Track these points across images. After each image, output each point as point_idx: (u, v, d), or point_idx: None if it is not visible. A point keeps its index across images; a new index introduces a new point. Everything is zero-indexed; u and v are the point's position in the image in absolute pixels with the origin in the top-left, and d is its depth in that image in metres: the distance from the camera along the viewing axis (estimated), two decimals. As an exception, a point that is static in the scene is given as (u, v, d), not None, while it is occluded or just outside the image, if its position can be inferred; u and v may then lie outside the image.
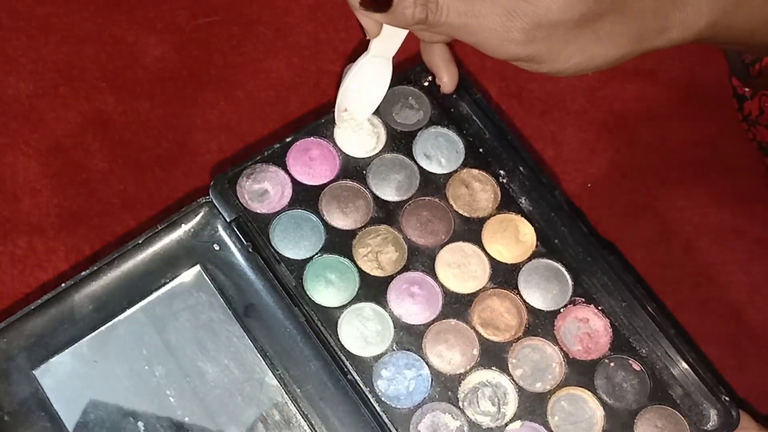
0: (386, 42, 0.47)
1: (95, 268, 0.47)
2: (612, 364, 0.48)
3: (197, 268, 0.48)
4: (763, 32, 0.45)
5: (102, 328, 0.47)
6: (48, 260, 0.56)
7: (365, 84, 0.50)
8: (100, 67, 0.64)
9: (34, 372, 0.46)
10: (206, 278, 0.48)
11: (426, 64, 0.52)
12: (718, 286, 0.58)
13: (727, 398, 0.47)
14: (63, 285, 0.46)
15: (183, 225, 0.49)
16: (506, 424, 0.46)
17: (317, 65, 0.64)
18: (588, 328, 0.49)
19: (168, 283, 0.48)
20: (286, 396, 0.46)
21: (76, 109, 0.62)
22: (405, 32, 0.47)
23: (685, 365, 0.48)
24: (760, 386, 0.55)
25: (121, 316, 0.47)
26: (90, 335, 0.46)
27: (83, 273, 0.47)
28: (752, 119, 0.62)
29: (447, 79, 0.51)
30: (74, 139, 0.60)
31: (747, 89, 0.62)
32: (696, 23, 0.43)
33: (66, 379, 0.46)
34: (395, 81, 0.51)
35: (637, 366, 0.48)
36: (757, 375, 0.56)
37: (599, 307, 0.49)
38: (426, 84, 0.54)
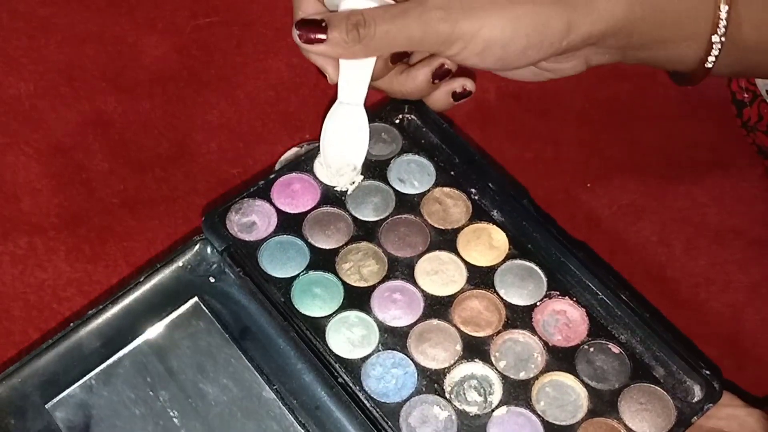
0: (351, 85, 0.49)
1: (101, 306, 0.50)
2: (591, 349, 0.49)
3: (195, 299, 0.51)
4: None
5: (109, 361, 0.50)
6: (48, 260, 0.56)
7: (343, 131, 0.52)
8: (100, 67, 0.64)
9: (46, 406, 0.48)
10: (204, 308, 0.51)
11: (443, 106, 0.53)
12: (718, 286, 0.58)
13: (707, 372, 0.48)
14: (72, 324, 0.50)
15: (180, 262, 0.52)
16: (493, 411, 0.47)
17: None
18: (566, 319, 0.50)
19: (168, 315, 0.51)
20: (283, 407, 0.48)
21: (77, 109, 0.62)
22: (367, 73, 0.49)
23: (664, 346, 0.49)
24: (759, 386, 0.55)
25: (126, 349, 0.50)
26: (98, 369, 0.49)
27: (90, 312, 0.50)
28: (751, 125, 0.62)
29: (468, 84, 0.53)
30: (74, 139, 0.61)
31: (746, 95, 0.62)
32: None
33: (77, 410, 0.48)
34: (369, 119, 0.53)
35: (616, 349, 0.49)
36: (756, 375, 0.56)
37: (574, 299, 0.51)
38: (397, 121, 0.57)
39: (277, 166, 0.59)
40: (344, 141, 0.52)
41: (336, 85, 0.50)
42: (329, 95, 0.63)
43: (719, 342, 0.56)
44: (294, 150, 0.60)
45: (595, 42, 0.47)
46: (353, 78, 0.49)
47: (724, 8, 0.46)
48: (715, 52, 0.47)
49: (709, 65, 0.47)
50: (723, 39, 0.46)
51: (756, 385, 0.55)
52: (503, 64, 0.47)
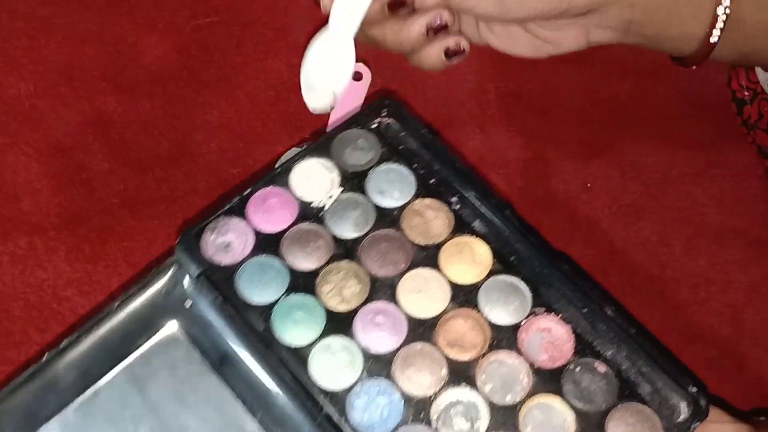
0: (346, 14, 0.47)
1: (74, 336, 0.48)
2: (578, 369, 0.48)
3: (172, 325, 0.50)
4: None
5: (86, 394, 0.48)
6: (48, 260, 0.56)
7: (330, 57, 0.49)
8: (100, 67, 0.64)
9: None
10: (181, 334, 0.50)
11: (435, 63, 0.52)
12: (718, 286, 0.58)
13: (694, 389, 0.47)
14: (45, 356, 0.48)
15: (154, 286, 0.50)
16: None
17: (317, 65, 0.64)
18: (551, 337, 0.49)
19: (145, 343, 0.49)
20: None
21: (77, 109, 0.62)
22: (364, 4, 0.47)
23: (650, 362, 0.48)
24: (759, 386, 0.55)
25: (103, 381, 0.48)
26: (75, 402, 0.48)
27: (63, 343, 0.48)
28: (751, 123, 0.62)
29: (463, 42, 0.50)
30: (74, 139, 0.61)
31: (747, 93, 0.62)
32: None
33: None
34: (345, 125, 0.52)
35: (602, 368, 0.48)
36: (756, 375, 0.56)
37: (559, 315, 0.50)
38: (374, 126, 0.56)
39: (277, 166, 0.59)
40: (330, 67, 0.50)
41: (327, 16, 0.47)
42: (329, 95, 0.63)
43: (719, 342, 0.56)
44: (294, 150, 0.60)
45: (597, 7, 0.46)
46: (349, 6, 0.47)
47: None
48: (719, 24, 0.46)
49: (714, 39, 0.47)
50: (727, 11, 0.46)
51: (756, 385, 0.55)
52: (502, 10, 0.46)
